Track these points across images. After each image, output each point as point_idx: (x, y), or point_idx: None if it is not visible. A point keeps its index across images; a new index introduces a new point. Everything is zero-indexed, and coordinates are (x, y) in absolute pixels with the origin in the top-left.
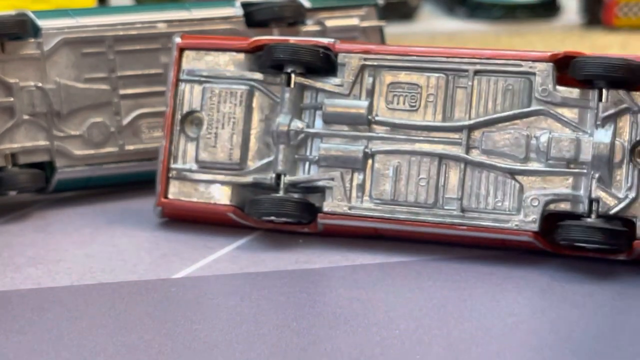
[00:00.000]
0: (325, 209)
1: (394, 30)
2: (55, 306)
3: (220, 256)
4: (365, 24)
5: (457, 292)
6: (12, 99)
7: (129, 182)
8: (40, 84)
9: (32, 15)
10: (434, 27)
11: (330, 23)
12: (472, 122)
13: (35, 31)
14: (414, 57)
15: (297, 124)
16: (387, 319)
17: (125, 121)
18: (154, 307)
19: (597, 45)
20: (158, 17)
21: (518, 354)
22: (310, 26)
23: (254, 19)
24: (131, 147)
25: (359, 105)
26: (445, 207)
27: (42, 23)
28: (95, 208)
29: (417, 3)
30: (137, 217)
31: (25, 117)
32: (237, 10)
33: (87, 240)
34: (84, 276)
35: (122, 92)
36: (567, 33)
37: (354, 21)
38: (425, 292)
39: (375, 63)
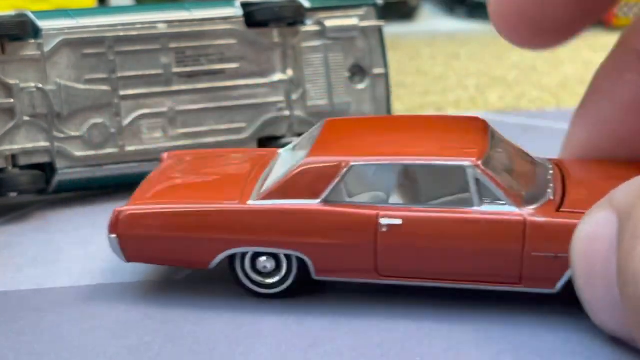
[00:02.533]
0: None
1: (394, 30)
2: (55, 306)
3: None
4: (365, 23)
5: (457, 293)
6: (12, 101)
7: (129, 183)
8: (40, 85)
9: (32, 16)
10: (434, 27)
11: (329, 23)
12: None
13: (36, 32)
14: None
15: None
16: (387, 320)
17: (126, 122)
18: (154, 307)
19: (597, 44)
20: (158, 18)
21: (518, 355)
22: (310, 26)
23: (254, 19)
24: (132, 148)
25: None
26: None
27: (42, 24)
28: (95, 208)
29: (417, 3)
30: None
31: (26, 118)
32: (237, 11)
33: (87, 240)
34: (84, 276)
35: (122, 93)
36: None
37: (353, 21)
38: (426, 294)
39: None
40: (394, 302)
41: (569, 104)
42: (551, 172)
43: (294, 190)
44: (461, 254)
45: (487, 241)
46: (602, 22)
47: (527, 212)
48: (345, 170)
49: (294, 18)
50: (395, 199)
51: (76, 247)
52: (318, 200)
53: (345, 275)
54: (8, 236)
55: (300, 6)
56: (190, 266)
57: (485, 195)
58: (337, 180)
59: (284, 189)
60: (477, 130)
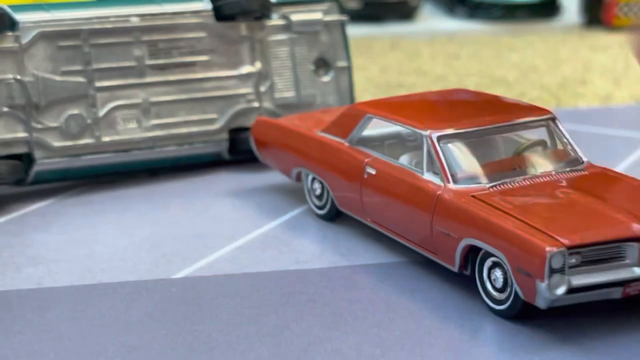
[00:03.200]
0: None
1: (394, 30)
2: (55, 306)
3: (220, 256)
4: (328, 18)
5: (457, 292)
6: None
7: (105, 174)
8: (18, 77)
9: (8, 10)
10: (434, 27)
11: (295, 17)
12: None
13: (12, 25)
14: None
15: None
16: (387, 319)
17: (101, 113)
18: (154, 307)
19: (597, 44)
20: (131, 11)
21: (518, 355)
22: (276, 20)
23: (222, 12)
24: (107, 139)
25: None
26: None
27: (19, 17)
28: (95, 208)
29: (417, 3)
30: (137, 217)
31: (4, 109)
32: (205, 5)
33: (87, 240)
34: (84, 276)
35: (97, 84)
36: (567, 33)
37: (317, 15)
38: (426, 293)
39: None
40: (394, 301)
41: (569, 104)
42: (564, 171)
43: (336, 129)
44: (402, 214)
45: (413, 206)
46: (602, 22)
47: (446, 189)
48: (363, 119)
49: (261, 12)
50: (384, 152)
51: (76, 247)
52: (345, 140)
53: (350, 211)
54: (8, 236)
55: (267, 0)
56: (284, 173)
57: (433, 165)
58: (357, 126)
59: (331, 126)
60: (500, 112)
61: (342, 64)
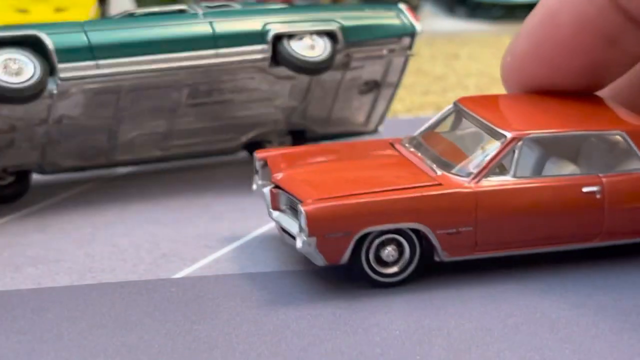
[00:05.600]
0: None
1: None
2: (55, 306)
3: (220, 256)
4: (394, 47)
5: (457, 292)
6: (14, 135)
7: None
8: (44, 117)
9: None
10: (434, 27)
11: (357, 54)
12: None
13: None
14: None
15: None
16: (387, 319)
17: (122, 140)
18: (154, 307)
19: None
20: (181, 63)
21: (518, 355)
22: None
23: (281, 64)
24: (123, 158)
25: None
26: None
27: (61, 67)
28: (95, 208)
29: (417, 3)
30: (136, 216)
31: (24, 144)
32: (265, 52)
33: (87, 240)
34: (84, 276)
35: (124, 126)
36: None
37: (383, 52)
38: (426, 293)
39: None
40: (394, 300)
41: None
42: None
43: None
44: None
45: None
46: None
47: None
48: None
49: (326, 70)
50: None
51: (76, 247)
52: None
53: None
54: (8, 236)
55: (332, 59)
56: None
57: None
58: None
59: None
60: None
61: (388, 91)
